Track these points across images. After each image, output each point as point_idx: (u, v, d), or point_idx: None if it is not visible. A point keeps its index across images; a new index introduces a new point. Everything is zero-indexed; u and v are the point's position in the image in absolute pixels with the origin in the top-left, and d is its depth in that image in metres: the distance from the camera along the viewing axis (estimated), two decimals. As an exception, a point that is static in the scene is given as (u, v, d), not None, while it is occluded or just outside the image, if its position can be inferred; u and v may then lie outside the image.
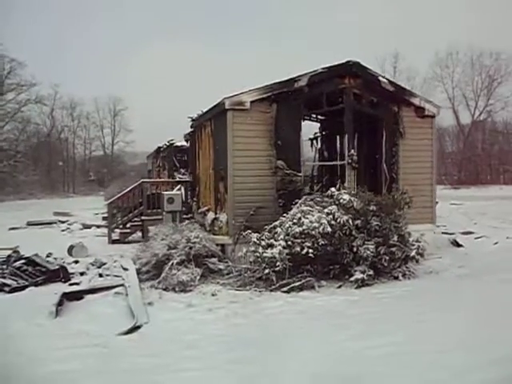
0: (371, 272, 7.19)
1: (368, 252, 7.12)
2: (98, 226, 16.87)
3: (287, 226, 7.26)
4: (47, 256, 9.78)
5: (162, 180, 13.69)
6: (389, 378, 3.93)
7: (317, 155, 12.37)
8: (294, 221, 7.26)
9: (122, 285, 7.24)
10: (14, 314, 6.36)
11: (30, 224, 18.07)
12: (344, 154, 12.00)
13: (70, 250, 10.31)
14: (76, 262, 9.56)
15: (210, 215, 9.76)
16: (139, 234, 13.36)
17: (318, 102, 8.86)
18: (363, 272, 7.13)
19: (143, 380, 4.25)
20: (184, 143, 18.32)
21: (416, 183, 9.26)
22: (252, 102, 8.33)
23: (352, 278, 7.10)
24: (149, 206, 12.29)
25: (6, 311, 6.50)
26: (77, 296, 6.88)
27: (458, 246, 10.44)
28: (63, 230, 16.13)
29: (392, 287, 7.07)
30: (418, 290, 6.87)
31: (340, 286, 7.18)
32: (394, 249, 7.37)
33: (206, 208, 10.45)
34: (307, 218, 7.16)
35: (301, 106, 8.67)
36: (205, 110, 10.24)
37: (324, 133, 12.51)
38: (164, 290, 7.22)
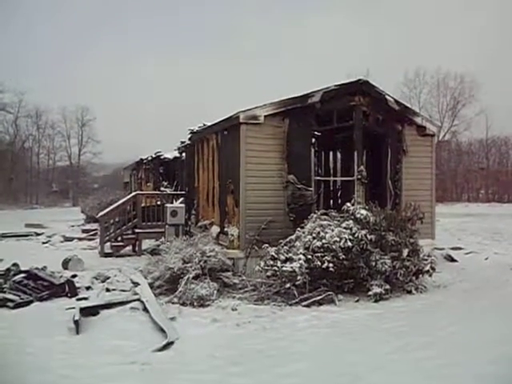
0: (388, 286, 7.32)
1: (386, 266, 7.25)
2: (80, 239, 16.33)
3: (306, 239, 7.30)
4: (42, 269, 9.38)
5: (158, 192, 13.43)
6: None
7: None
8: (314, 235, 7.30)
9: (137, 300, 7.04)
10: (29, 330, 6.08)
11: (3, 236, 17.27)
12: (339, 170, 12.30)
13: (66, 263, 9.93)
14: (74, 276, 9.19)
15: (215, 229, 9.67)
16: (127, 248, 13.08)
17: (328, 119, 9.02)
18: (380, 286, 7.25)
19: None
20: (168, 156, 18.17)
21: (417, 199, 9.49)
22: (265, 116, 8.39)
23: (370, 292, 7.19)
24: (143, 219, 12.03)
25: (18, 328, 6.19)
26: (92, 311, 6.62)
27: (453, 260, 10.78)
28: (44, 243, 15.51)
29: (409, 301, 7.22)
30: (435, 304, 7.05)
31: (358, 300, 7.26)
32: (408, 263, 7.54)
33: (207, 221, 10.35)
34: (327, 233, 7.23)
35: (312, 122, 8.80)
36: (209, 124, 10.21)
37: (317, 149, 12.71)
38: (181, 304, 7.07)
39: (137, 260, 11.55)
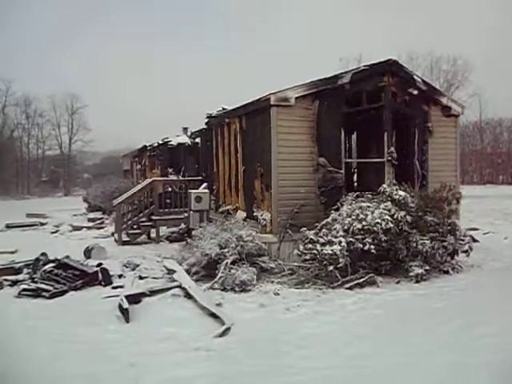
0: (427, 267, 7.31)
1: (426, 247, 7.23)
2: (89, 228, 16.10)
3: (346, 222, 7.23)
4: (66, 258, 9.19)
5: (177, 179, 13.21)
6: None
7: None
8: (353, 217, 7.24)
9: (178, 286, 6.92)
10: (75, 320, 5.95)
11: (9, 226, 16.94)
12: (360, 152, 12.23)
13: (88, 252, 9.72)
14: (99, 264, 9.01)
15: (240, 214, 9.55)
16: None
17: (356, 100, 8.90)
18: (421, 267, 7.24)
19: (280, 382, 4.07)
20: (172, 142, 17.87)
21: (442, 180, 9.43)
22: (296, 98, 8.24)
23: (412, 274, 7.18)
24: (160, 206, 11.86)
25: (63, 317, 6.05)
26: (136, 299, 6.50)
27: (474, 241, 10.76)
28: (53, 233, 15.25)
29: (449, 281, 7.22)
30: (476, 283, 7.06)
31: (398, 282, 7.25)
32: (445, 243, 7.53)
33: (230, 207, 10.22)
34: (367, 215, 7.16)
35: (341, 103, 8.68)
36: (232, 107, 10.01)
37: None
38: (222, 290, 6.99)
39: (156, 247, 11.41)
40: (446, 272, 7.64)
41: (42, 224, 17.89)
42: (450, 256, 7.77)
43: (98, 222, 17.48)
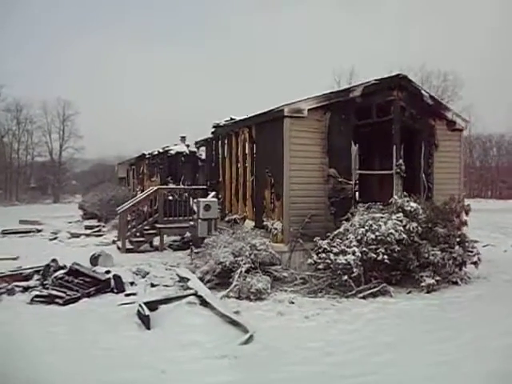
0: (438, 277, 7.44)
1: (437, 258, 7.36)
2: (87, 235, 15.97)
3: (359, 232, 7.34)
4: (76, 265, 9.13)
5: (181, 187, 13.20)
6: None
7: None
8: (366, 227, 7.35)
9: (193, 294, 6.93)
10: (94, 326, 5.93)
11: (5, 233, 16.74)
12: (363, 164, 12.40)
13: (95, 259, 9.66)
14: (108, 272, 8.97)
15: (248, 223, 9.62)
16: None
17: (366, 113, 9.07)
18: (432, 277, 7.36)
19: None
20: (171, 152, 17.90)
21: (447, 193, 9.65)
22: (309, 110, 8.38)
23: (423, 284, 7.30)
24: (165, 214, 11.85)
25: (81, 324, 6.03)
26: (152, 306, 6.49)
27: (476, 253, 10.98)
28: (52, 239, 15.10)
29: (460, 291, 7.35)
30: (486, 294, 7.19)
31: (410, 292, 7.36)
32: (455, 255, 7.68)
33: (237, 216, 10.29)
34: (380, 225, 7.28)
35: (352, 116, 8.84)
36: (242, 118, 10.13)
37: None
38: (237, 298, 7.03)
39: (161, 255, 11.38)
40: (455, 283, 7.77)
41: (39, 231, 17.72)
42: (458, 267, 7.91)
43: (96, 229, 17.35)
